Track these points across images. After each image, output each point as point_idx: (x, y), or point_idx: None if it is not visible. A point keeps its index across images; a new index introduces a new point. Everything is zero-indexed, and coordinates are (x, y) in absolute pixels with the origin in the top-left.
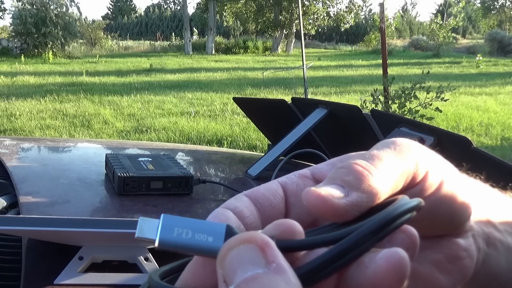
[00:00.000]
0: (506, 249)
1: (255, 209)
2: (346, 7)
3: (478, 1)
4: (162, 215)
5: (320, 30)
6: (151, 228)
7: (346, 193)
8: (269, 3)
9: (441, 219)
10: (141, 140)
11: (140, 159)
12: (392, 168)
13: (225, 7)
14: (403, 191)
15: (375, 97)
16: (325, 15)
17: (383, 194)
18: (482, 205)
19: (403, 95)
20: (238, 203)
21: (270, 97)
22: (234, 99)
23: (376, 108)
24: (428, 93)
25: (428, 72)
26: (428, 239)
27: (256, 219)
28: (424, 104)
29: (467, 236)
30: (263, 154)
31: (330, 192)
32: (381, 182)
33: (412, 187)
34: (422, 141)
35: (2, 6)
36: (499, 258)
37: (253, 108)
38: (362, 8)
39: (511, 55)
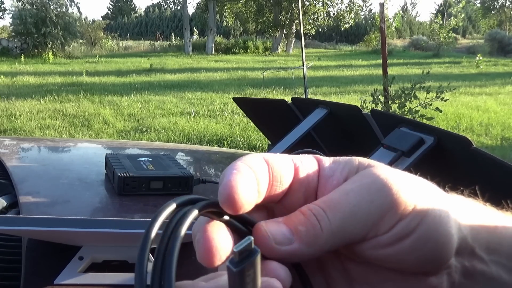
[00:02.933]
0: (489, 279)
1: (267, 179)
2: (346, 7)
3: (478, 1)
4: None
5: (320, 30)
6: None
7: (290, 242)
8: (269, 3)
9: (422, 261)
10: (141, 140)
11: (140, 159)
12: (353, 219)
13: (225, 7)
14: (384, 231)
15: (375, 97)
16: (325, 15)
17: (329, 248)
18: (469, 234)
19: (403, 95)
20: (258, 170)
21: (270, 97)
22: (234, 99)
23: (376, 108)
24: (428, 93)
25: (428, 72)
26: (396, 271)
27: (265, 187)
28: (424, 104)
29: (441, 274)
30: None
31: (275, 236)
32: (330, 237)
33: (386, 232)
34: (422, 141)
35: (2, 6)
36: None
37: (253, 108)
38: (362, 8)
39: (511, 55)
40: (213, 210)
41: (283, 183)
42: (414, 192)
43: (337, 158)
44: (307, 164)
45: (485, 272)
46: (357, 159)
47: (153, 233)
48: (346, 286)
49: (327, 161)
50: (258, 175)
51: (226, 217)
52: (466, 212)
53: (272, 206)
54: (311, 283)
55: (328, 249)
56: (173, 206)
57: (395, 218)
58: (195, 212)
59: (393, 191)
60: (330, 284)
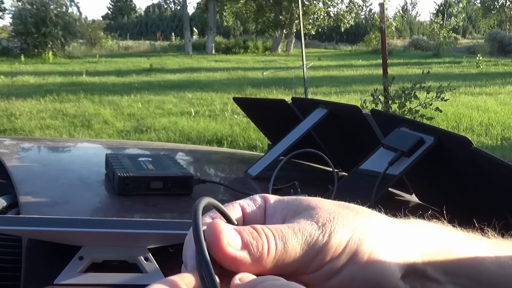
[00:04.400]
0: None
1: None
2: (346, 7)
3: (478, 1)
4: None
5: (320, 30)
6: None
7: (239, 248)
8: (269, 3)
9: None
10: (141, 140)
11: (140, 159)
12: (299, 249)
13: (225, 7)
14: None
15: (375, 97)
16: (325, 15)
17: (269, 272)
18: (419, 259)
19: (403, 95)
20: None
21: (270, 97)
22: (234, 99)
23: (376, 108)
24: (428, 93)
25: (428, 72)
26: None
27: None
28: (424, 104)
29: None
30: (263, 154)
31: (229, 236)
32: (270, 263)
33: (314, 271)
34: (422, 141)
35: (2, 6)
36: None
37: (253, 108)
38: (362, 8)
39: (511, 55)
40: None
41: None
42: (349, 230)
43: (283, 197)
44: (254, 204)
45: None
46: (300, 200)
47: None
48: None
49: (272, 199)
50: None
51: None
52: (419, 239)
53: None
54: None
55: (269, 272)
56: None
57: (324, 260)
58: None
59: (324, 236)
60: None
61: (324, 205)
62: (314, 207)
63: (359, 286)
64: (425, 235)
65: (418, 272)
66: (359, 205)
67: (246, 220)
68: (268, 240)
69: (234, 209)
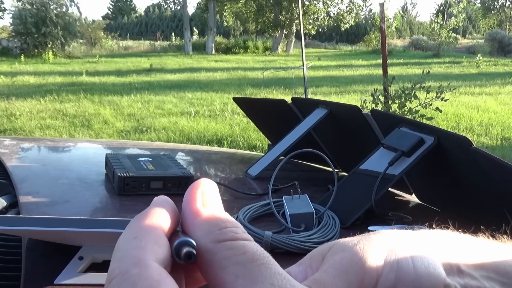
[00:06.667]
0: None
1: None
2: (346, 7)
3: (478, 1)
4: None
5: (320, 30)
6: None
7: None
8: (269, 3)
9: None
10: (141, 140)
11: (140, 159)
12: None
13: (225, 7)
14: None
15: (375, 97)
16: (325, 15)
17: None
18: (452, 256)
19: (403, 95)
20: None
21: (270, 97)
22: (234, 99)
23: (376, 108)
24: (428, 93)
25: (428, 72)
26: None
27: None
28: (424, 104)
29: None
30: (263, 154)
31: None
32: None
33: None
34: (422, 141)
35: (2, 6)
36: None
37: (253, 108)
38: (362, 8)
39: (511, 55)
40: None
41: None
42: (383, 254)
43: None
44: None
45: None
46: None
47: None
48: None
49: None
50: None
51: None
52: (446, 238)
53: None
54: None
55: None
56: None
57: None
58: None
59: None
60: None
61: (349, 245)
62: (343, 249)
63: None
64: (440, 235)
65: (459, 281)
66: (359, 205)
67: None
68: None
69: None
